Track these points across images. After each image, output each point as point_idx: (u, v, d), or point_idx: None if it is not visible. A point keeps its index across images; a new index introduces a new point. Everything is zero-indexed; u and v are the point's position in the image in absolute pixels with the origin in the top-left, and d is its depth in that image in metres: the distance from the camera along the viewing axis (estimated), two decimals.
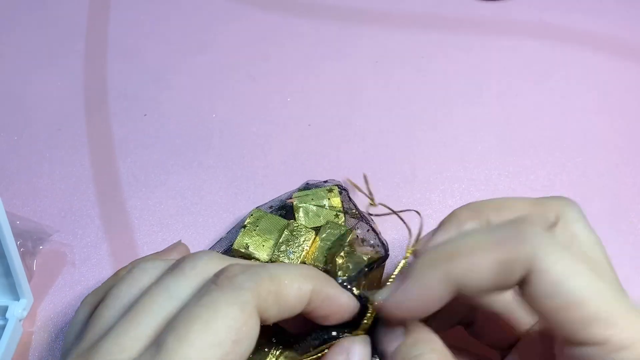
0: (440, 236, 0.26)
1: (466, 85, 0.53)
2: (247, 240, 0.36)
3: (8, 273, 0.36)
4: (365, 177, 0.37)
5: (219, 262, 0.25)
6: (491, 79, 0.53)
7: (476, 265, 0.22)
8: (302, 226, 0.37)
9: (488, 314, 0.28)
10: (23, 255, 0.39)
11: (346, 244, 0.35)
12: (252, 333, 0.23)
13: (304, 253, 0.35)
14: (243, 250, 0.35)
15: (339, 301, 0.26)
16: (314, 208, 0.38)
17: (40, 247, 0.41)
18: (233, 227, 0.40)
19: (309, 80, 0.53)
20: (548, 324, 0.22)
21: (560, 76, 0.53)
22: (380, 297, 0.25)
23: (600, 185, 0.46)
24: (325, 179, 0.42)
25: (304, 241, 0.36)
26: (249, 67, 0.54)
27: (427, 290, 0.23)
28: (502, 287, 0.23)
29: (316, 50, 0.55)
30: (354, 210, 0.38)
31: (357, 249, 0.35)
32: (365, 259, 0.34)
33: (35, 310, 0.39)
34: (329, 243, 0.36)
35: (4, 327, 0.37)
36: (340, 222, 0.37)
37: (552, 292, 0.21)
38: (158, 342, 0.22)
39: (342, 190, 0.40)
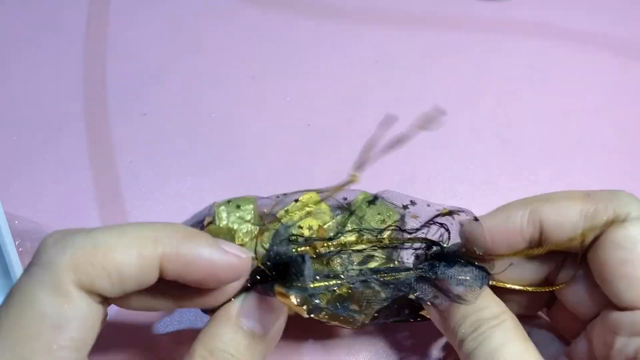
0: (488, 218, 0.26)
1: (466, 85, 0.53)
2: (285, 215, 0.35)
3: (6, 273, 0.36)
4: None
5: (77, 257, 0.21)
6: (491, 79, 0.53)
7: (564, 209, 0.24)
8: (350, 225, 0.35)
9: (564, 301, 0.28)
10: (21, 256, 0.39)
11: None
12: (80, 314, 0.19)
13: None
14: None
15: (211, 262, 0.20)
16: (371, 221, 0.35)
17: None
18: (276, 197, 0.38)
19: (309, 80, 0.53)
20: (605, 280, 0.22)
21: (560, 76, 0.53)
22: (465, 221, 0.26)
23: (600, 185, 0.46)
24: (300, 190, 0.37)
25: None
26: (249, 67, 0.54)
27: (513, 221, 0.25)
28: (582, 238, 0.23)
29: (316, 50, 0.55)
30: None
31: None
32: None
33: None
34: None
35: None
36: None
37: (626, 245, 0.22)
38: None
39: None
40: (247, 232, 0.36)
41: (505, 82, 0.53)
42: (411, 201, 0.34)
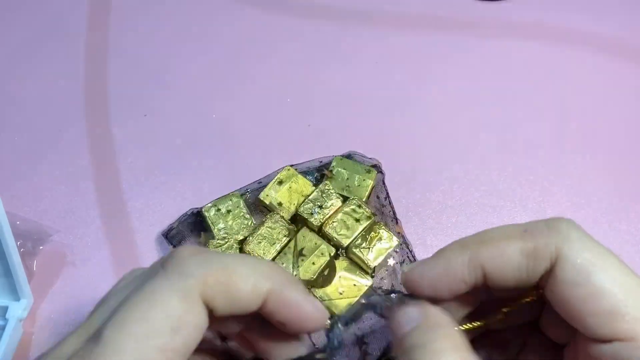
0: (427, 267, 0.25)
1: (466, 85, 0.53)
2: (273, 194, 0.41)
3: (8, 273, 0.36)
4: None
5: (208, 271, 0.23)
6: (491, 80, 0.53)
7: (504, 251, 0.23)
8: (333, 190, 0.41)
9: (550, 312, 0.27)
10: (23, 256, 0.39)
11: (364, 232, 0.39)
12: (196, 322, 0.21)
13: (326, 217, 0.40)
14: (267, 202, 0.41)
15: (301, 309, 0.24)
16: (346, 176, 0.42)
17: (41, 248, 0.41)
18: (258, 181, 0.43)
19: (309, 80, 0.53)
20: (572, 319, 0.22)
21: (560, 76, 0.53)
22: (405, 268, 0.25)
23: (600, 185, 0.46)
24: (370, 156, 0.45)
25: (330, 205, 0.40)
26: (249, 67, 0.54)
27: (453, 269, 0.23)
28: (527, 277, 0.23)
29: (316, 50, 0.55)
30: (380, 200, 0.43)
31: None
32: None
33: (35, 310, 0.39)
34: (351, 219, 0.39)
35: (4, 327, 0.37)
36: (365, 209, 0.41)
37: (579, 280, 0.21)
38: (98, 331, 0.21)
39: (380, 173, 0.44)
40: (244, 226, 0.41)
41: (505, 82, 0.53)
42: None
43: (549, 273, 0.22)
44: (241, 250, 0.40)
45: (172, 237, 0.41)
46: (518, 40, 0.56)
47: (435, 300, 0.25)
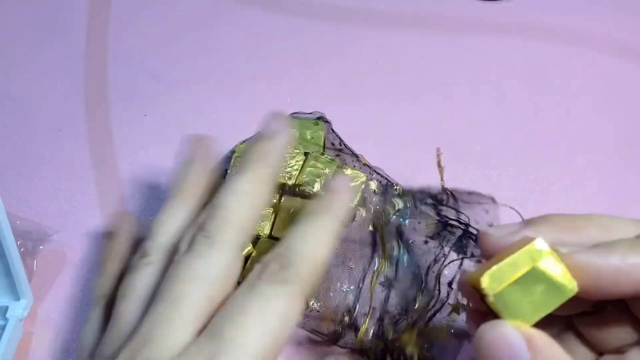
0: (597, 257, 0.21)
1: (466, 85, 0.53)
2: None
3: (8, 273, 0.36)
4: (438, 155, 0.38)
5: (235, 234, 0.26)
6: (491, 79, 0.53)
7: None
8: (292, 149, 0.41)
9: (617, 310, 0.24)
10: (23, 256, 0.39)
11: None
12: (297, 318, 0.24)
13: (296, 176, 0.41)
14: None
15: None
16: (298, 134, 0.44)
17: (41, 248, 0.41)
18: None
19: (309, 80, 0.53)
20: None
21: (560, 76, 0.53)
22: (565, 249, 0.21)
23: (600, 185, 0.46)
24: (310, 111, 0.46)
25: (295, 164, 0.41)
26: (249, 66, 0.54)
27: (630, 269, 0.20)
28: None
29: (316, 50, 0.55)
30: (335, 146, 0.44)
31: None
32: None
33: (35, 310, 0.39)
34: (318, 169, 0.41)
35: (4, 327, 0.37)
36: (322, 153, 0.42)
37: None
38: (212, 330, 0.22)
39: (327, 122, 0.45)
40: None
41: (505, 82, 0.53)
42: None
43: None
44: None
45: None
46: (518, 40, 0.56)
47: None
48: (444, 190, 0.39)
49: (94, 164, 0.47)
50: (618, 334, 0.24)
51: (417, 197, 0.36)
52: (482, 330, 0.21)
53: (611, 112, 0.51)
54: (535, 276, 0.20)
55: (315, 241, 0.26)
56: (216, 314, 0.23)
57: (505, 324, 0.20)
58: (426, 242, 0.37)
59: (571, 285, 0.20)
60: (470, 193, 0.38)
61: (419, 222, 0.37)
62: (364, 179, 0.40)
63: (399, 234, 0.37)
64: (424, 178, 0.46)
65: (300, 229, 0.26)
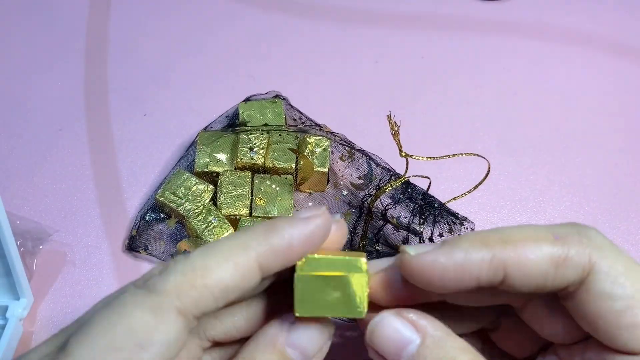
0: (442, 255, 0.22)
1: (466, 85, 0.53)
2: (205, 159, 0.43)
3: (8, 273, 0.36)
4: (391, 121, 0.38)
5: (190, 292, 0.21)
6: (491, 79, 0.53)
7: (531, 256, 0.21)
8: (254, 130, 0.43)
9: (515, 322, 0.25)
10: (23, 255, 0.39)
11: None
12: (168, 338, 0.20)
13: (264, 155, 0.42)
14: (206, 170, 0.42)
15: (300, 240, 0.21)
16: (259, 115, 0.45)
17: (41, 247, 0.41)
18: (180, 159, 0.45)
19: (309, 80, 0.53)
20: (599, 330, 0.21)
21: (560, 76, 0.53)
22: (412, 251, 0.22)
23: (600, 185, 0.46)
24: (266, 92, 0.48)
25: (260, 143, 0.43)
26: (249, 67, 0.54)
27: (471, 264, 0.21)
28: (551, 285, 0.21)
29: (316, 50, 0.55)
30: (297, 120, 0.46)
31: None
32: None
33: (35, 309, 0.39)
34: (282, 145, 0.43)
35: (4, 326, 0.37)
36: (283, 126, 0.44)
37: (616, 293, 0.20)
38: (66, 342, 0.21)
39: (283, 99, 0.47)
40: (204, 190, 0.42)
41: (505, 82, 0.53)
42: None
43: (579, 284, 0.21)
44: (216, 206, 0.41)
45: (135, 246, 0.41)
46: (518, 40, 0.56)
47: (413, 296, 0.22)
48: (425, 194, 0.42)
49: (93, 164, 0.47)
50: (523, 344, 0.25)
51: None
52: (372, 324, 0.22)
53: (611, 112, 0.51)
54: (340, 283, 0.22)
55: (219, 257, 0.21)
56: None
57: (391, 314, 0.22)
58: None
59: (361, 309, 0.22)
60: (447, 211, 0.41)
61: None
62: (327, 143, 0.43)
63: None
64: (425, 174, 0.46)
65: (213, 242, 0.22)
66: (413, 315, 0.22)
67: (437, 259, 0.22)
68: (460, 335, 0.23)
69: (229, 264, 0.21)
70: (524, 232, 0.22)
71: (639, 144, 0.49)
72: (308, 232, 0.22)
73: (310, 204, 0.44)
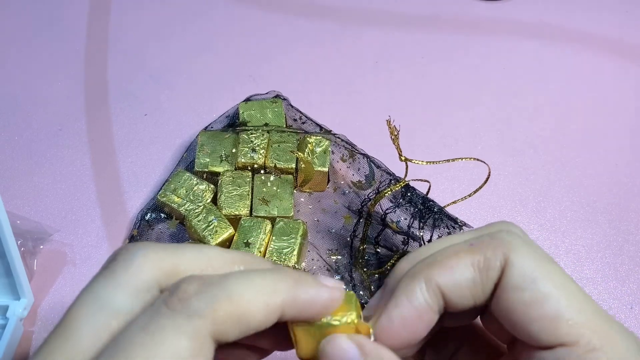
0: (394, 312, 0.23)
1: (466, 85, 0.53)
2: (205, 159, 0.42)
3: (9, 273, 0.36)
4: (390, 126, 0.38)
5: (158, 261, 0.22)
6: (491, 79, 0.53)
7: (456, 268, 0.22)
8: (254, 129, 0.43)
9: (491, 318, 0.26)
10: (24, 255, 0.39)
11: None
12: None
13: (264, 155, 0.43)
14: (206, 170, 0.42)
15: (319, 301, 0.23)
16: (259, 115, 0.45)
17: (41, 247, 0.41)
18: (181, 159, 0.45)
19: (309, 80, 0.53)
20: (516, 326, 0.22)
21: (560, 76, 0.53)
22: (373, 324, 0.23)
23: (600, 185, 0.46)
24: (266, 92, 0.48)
25: (261, 143, 0.43)
26: (249, 67, 0.54)
27: (418, 300, 0.22)
28: (482, 291, 0.22)
29: (316, 50, 0.55)
30: (297, 120, 0.46)
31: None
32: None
33: (35, 309, 0.39)
34: (283, 145, 0.43)
35: (4, 326, 0.37)
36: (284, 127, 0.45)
37: (525, 286, 0.21)
38: None
39: (284, 99, 0.47)
40: (205, 190, 0.43)
41: (505, 82, 0.53)
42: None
43: (499, 282, 0.22)
44: (217, 205, 0.41)
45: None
46: (518, 40, 0.56)
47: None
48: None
49: (94, 164, 0.47)
50: (499, 333, 0.25)
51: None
52: (322, 345, 0.23)
53: (611, 112, 0.51)
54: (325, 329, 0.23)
55: (253, 292, 0.21)
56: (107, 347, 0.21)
57: (341, 337, 0.23)
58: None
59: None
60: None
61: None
62: (327, 143, 0.43)
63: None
64: (424, 178, 0.46)
65: (247, 272, 0.22)
66: (358, 336, 0.23)
67: (391, 317, 0.23)
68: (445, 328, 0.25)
69: (261, 301, 0.21)
70: (443, 250, 0.23)
71: (639, 144, 0.49)
72: (328, 297, 0.23)
73: (310, 206, 0.43)
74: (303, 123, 0.46)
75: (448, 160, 0.38)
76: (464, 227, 0.40)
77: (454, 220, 0.40)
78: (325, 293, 0.23)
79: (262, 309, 0.21)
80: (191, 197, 0.41)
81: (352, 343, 0.23)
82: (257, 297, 0.21)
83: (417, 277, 0.23)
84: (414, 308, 0.23)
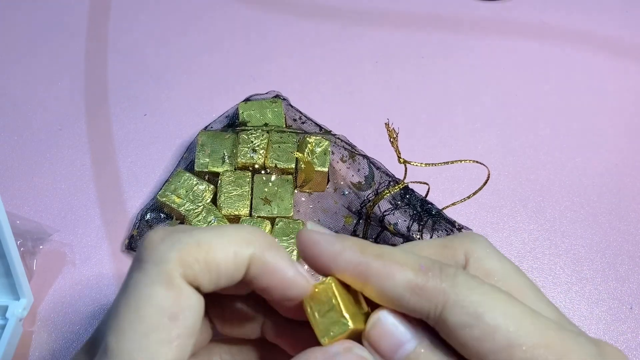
0: (325, 238, 0.24)
1: (466, 85, 0.53)
2: (205, 159, 0.43)
3: (8, 273, 0.36)
4: (389, 129, 0.38)
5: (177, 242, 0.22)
6: (491, 79, 0.53)
7: (391, 276, 0.22)
8: (254, 130, 0.43)
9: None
10: (23, 255, 0.39)
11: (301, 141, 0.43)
12: (189, 303, 0.21)
13: (264, 155, 0.42)
14: (206, 170, 0.42)
15: (284, 274, 0.23)
16: (259, 115, 0.45)
17: (41, 247, 0.41)
18: (181, 159, 0.46)
19: (309, 80, 0.53)
20: (471, 357, 0.22)
21: (560, 76, 0.53)
22: (309, 226, 0.24)
23: (600, 185, 0.46)
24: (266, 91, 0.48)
25: (260, 143, 0.43)
26: (249, 67, 0.54)
27: (342, 258, 0.23)
28: (411, 310, 0.22)
29: (316, 50, 0.55)
30: (296, 120, 0.46)
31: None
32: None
33: (35, 309, 0.39)
34: (283, 145, 0.43)
35: (4, 326, 0.37)
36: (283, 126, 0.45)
37: (472, 323, 0.21)
38: (105, 344, 0.21)
39: (283, 100, 0.47)
40: (204, 190, 0.43)
41: (505, 82, 0.53)
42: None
43: (439, 316, 0.22)
44: (216, 205, 0.41)
45: (136, 246, 0.41)
46: (518, 40, 0.56)
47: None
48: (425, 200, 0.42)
49: (93, 164, 0.47)
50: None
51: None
52: (372, 319, 0.23)
53: (611, 112, 0.51)
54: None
55: (223, 240, 0.22)
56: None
57: (390, 313, 0.23)
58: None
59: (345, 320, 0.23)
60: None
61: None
62: (327, 143, 0.43)
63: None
64: (423, 177, 0.46)
65: (221, 226, 0.23)
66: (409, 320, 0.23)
67: (320, 239, 0.23)
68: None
69: (230, 250, 0.22)
70: (398, 255, 0.23)
71: (639, 144, 0.49)
72: (291, 280, 0.23)
73: (310, 206, 0.44)
74: (303, 123, 0.46)
75: (447, 163, 0.38)
76: (462, 230, 0.40)
77: (452, 223, 0.40)
78: (292, 271, 0.23)
79: (231, 257, 0.22)
80: (191, 197, 0.41)
81: (404, 321, 0.23)
82: (226, 246, 0.22)
83: (362, 252, 0.23)
84: (335, 256, 0.23)
